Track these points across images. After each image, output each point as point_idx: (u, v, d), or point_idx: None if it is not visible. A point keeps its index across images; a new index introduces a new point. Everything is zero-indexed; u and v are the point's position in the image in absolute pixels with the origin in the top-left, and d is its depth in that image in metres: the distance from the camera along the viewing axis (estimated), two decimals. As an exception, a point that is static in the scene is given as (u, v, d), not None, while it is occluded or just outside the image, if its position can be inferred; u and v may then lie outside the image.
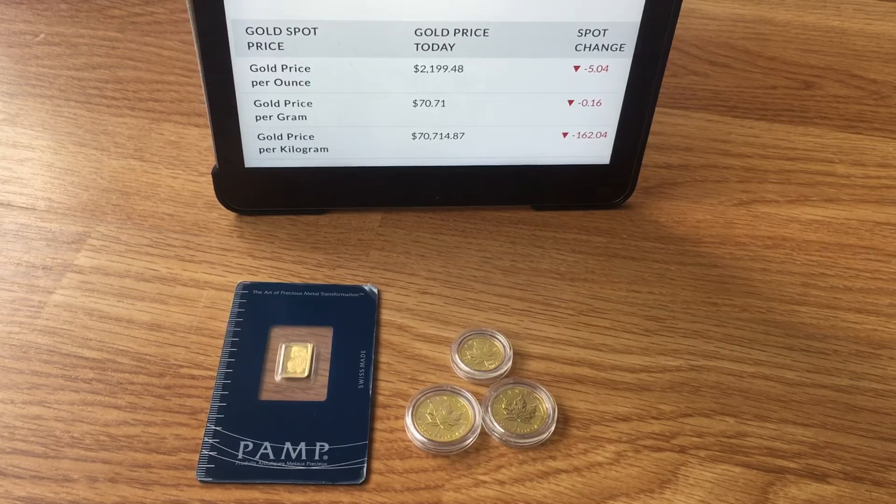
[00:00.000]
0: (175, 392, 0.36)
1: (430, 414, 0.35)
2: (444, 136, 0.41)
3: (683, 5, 0.38)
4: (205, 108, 0.39)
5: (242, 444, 0.34)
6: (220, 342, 0.38)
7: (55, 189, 0.45)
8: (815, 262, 0.43)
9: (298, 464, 0.33)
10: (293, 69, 0.38)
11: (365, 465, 0.33)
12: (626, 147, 0.43)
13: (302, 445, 0.34)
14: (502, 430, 0.34)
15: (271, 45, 0.37)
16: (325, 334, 0.38)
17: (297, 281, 0.41)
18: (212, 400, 0.35)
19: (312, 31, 0.37)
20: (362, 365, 0.37)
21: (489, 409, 0.35)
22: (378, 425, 0.35)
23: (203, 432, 0.34)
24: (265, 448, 0.34)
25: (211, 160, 0.44)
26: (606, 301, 0.40)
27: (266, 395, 0.36)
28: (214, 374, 0.36)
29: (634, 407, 0.36)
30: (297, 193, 0.43)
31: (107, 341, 0.37)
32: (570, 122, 0.42)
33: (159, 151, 0.47)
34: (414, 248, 0.43)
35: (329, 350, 0.37)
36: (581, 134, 0.42)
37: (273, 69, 0.38)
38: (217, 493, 0.32)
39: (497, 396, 0.36)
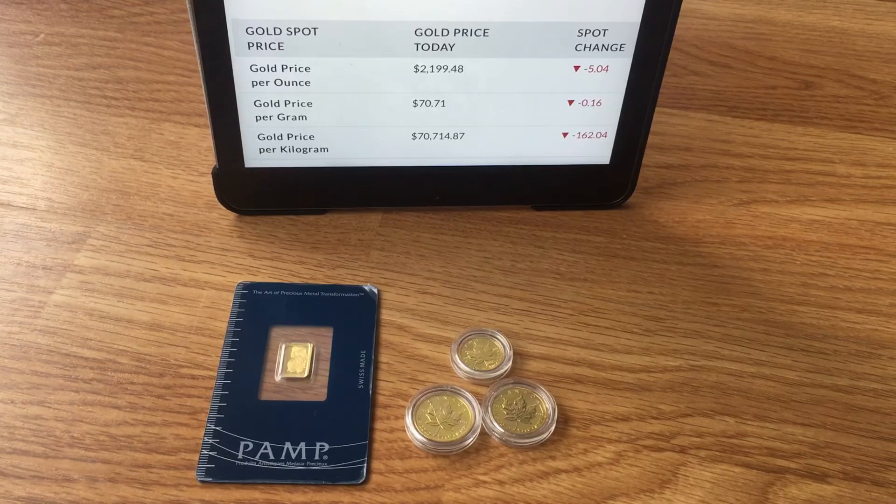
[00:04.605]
0: (175, 392, 0.36)
1: (430, 414, 0.35)
2: (444, 136, 0.41)
3: (683, 5, 0.38)
4: (205, 108, 0.39)
5: (242, 444, 0.34)
6: (220, 342, 0.38)
7: (55, 189, 0.45)
8: (815, 262, 0.43)
9: (298, 464, 0.33)
10: (293, 69, 0.38)
11: (365, 465, 0.33)
12: (626, 147, 0.43)
13: (302, 445, 0.34)
14: (502, 430, 0.34)
15: (271, 45, 0.37)
16: (325, 334, 0.38)
17: (297, 281, 0.41)
18: (212, 400, 0.35)
19: (312, 31, 0.37)
20: (362, 365, 0.37)
21: (489, 409, 0.35)
22: (378, 425, 0.35)
23: (203, 432, 0.34)
24: (265, 448, 0.34)
25: (211, 160, 0.44)
26: (606, 301, 0.40)
27: (266, 395, 0.36)
28: (214, 374, 0.36)
29: (634, 407, 0.36)
30: (297, 193, 0.43)
31: (107, 341, 0.37)
32: (570, 122, 0.42)
33: (159, 151, 0.47)
34: (414, 248, 0.43)
35: (329, 350, 0.37)
36: (581, 134, 0.42)
37: (273, 69, 0.38)
38: (217, 493, 0.32)
39: (497, 396, 0.36)
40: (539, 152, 0.43)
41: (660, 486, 0.33)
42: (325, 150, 0.41)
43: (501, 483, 0.33)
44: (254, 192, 0.43)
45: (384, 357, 0.38)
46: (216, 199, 0.43)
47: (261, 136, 0.41)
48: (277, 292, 0.40)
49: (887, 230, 0.45)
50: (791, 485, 0.34)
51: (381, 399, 0.36)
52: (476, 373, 0.37)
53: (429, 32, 0.38)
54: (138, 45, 0.56)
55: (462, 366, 0.37)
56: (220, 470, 0.33)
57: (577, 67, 0.40)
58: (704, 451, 0.35)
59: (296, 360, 0.37)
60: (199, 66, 0.38)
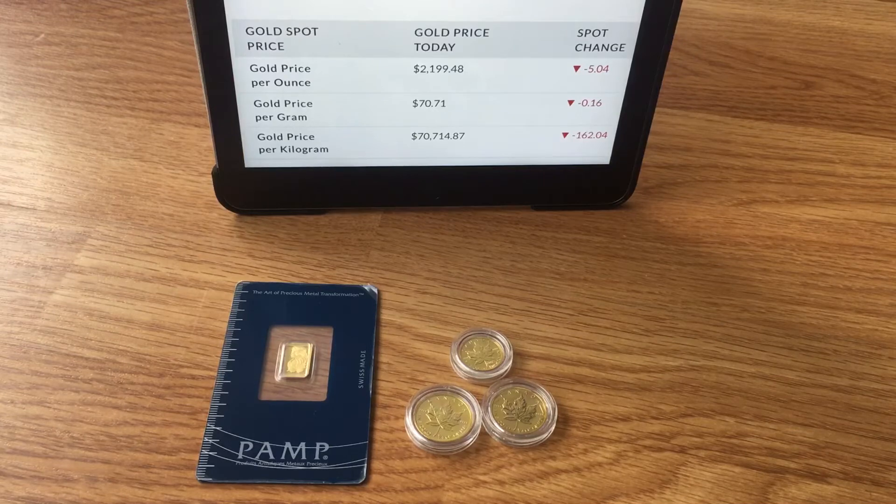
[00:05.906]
0: (175, 392, 0.36)
1: (430, 414, 0.35)
2: (444, 136, 0.41)
3: (683, 5, 0.38)
4: (205, 108, 0.39)
5: (242, 444, 0.34)
6: (220, 342, 0.38)
7: (55, 189, 0.45)
8: (815, 262, 0.43)
9: (298, 464, 0.33)
10: (293, 69, 0.38)
11: (365, 465, 0.33)
12: (626, 147, 0.43)
13: (302, 445, 0.34)
14: (502, 430, 0.34)
15: (271, 45, 0.37)
16: (325, 334, 0.38)
17: (297, 281, 0.41)
18: (212, 400, 0.35)
19: (312, 31, 0.37)
20: (362, 365, 0.37)
21: (489, 409, 0.35)
22: (378, 425, 0.35)
23: (203, 432, 0.34)
24: (265, 448, 0.34)
25: (211, 160, 0.44)
26: (606, 301, 0.40)
27: (266, 395, 0.36)
28: (214, 374, 0.36)
29: (634, 407, 0.36)
30: (297, 193, 0.43)
31: (107, 341, 0.37)
32: (570, 122, 0.42)
33: (159, 151, 0.47)
34: (414, 248, 0.43)
35: (329, 350, 0.37)
36: (581, 134, 0.42)
37: (273, 69, 0.38)
38: (217, 493, 0.32)
39: (497, 396, 0.36)
40: (539, 152, 0.43)
41: (660, 486, 0.33)
42: (324, 150, 0.41)
43: (501, 483, 0.33)
44: (254, 192, 0.43)
45: (384, 357, 0.38)
46: (216, 199, 0.43)
47: (261, 136, 0.41)
48: (277, 292, 0.40)
49: (887, 230, 0.45)
50: (791, 485, 0.34)
51: (381, 399, 0.36)
52: (476, 373, 0.37)
53: (429, 32, 0.38)
54: (138, 45, 0.56)
55: (462, 366, 0.37)
56: (220, 470, 0.33)
57: (577, 67, 0.40)
58: (704, 451, 0.35)
59: (296, 360, 0.37)
60: (199, 66, 0.38)
